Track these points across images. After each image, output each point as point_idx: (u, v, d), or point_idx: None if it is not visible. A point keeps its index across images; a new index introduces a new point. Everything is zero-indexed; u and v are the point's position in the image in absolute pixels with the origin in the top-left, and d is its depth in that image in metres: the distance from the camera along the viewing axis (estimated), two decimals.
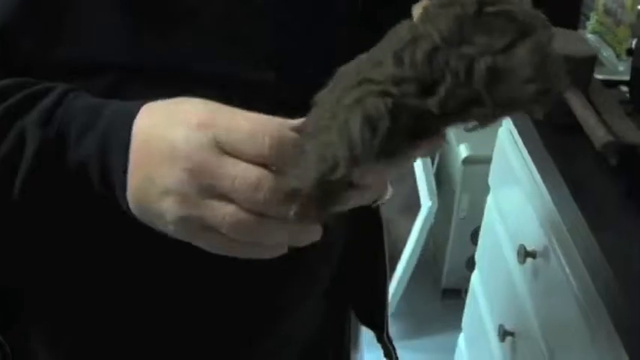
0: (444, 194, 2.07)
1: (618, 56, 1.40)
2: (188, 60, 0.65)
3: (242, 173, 0.50)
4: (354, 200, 0.54)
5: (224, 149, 0.50)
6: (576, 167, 1.04)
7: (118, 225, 0.57)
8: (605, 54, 1.42)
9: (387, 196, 0.64)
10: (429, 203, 1.94)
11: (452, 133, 2.06)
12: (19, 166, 0.56)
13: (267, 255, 0.54)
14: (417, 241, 1.97)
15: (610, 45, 1.44)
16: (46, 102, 0.56)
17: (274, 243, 0.53)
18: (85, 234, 0.64)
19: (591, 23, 1.53)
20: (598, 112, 1.10)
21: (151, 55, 0.63)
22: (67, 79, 0.61)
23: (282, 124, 0.51)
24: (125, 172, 0.54)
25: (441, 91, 0.47)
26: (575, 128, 1.07)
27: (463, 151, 1.98)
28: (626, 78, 1.24)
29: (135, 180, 0.54)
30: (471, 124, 0.49)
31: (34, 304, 0.73)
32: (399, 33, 0.50)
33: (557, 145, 1.09)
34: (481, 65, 0.46)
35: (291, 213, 0.48)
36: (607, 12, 1.46)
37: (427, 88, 0.47)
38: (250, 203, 0.50)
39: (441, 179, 2.14)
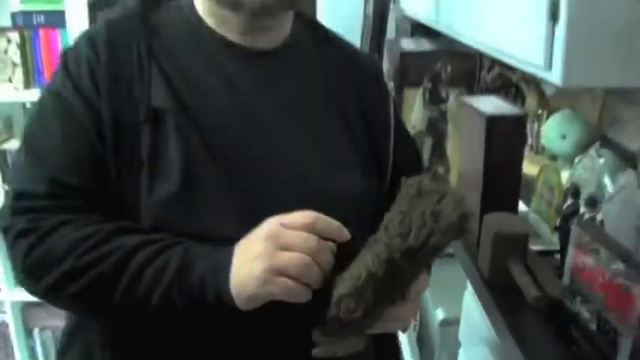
0: (425, 352, 2.25)
1: (552, 231, 1.62)
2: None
3: (298, 235, 0.87)
4: (386, 325, 0.91)
5: (285, 226, 0.87)
6: (518, 318, 1.28)
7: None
8: (543, 229, 1.68)
9: (411, 326, 1.01)
10: None
11: (429, 300, 2.31)
12: (160, 282, 0.90)
13: (306, 298, 0.88)
14: None
15: (546, 222, 1.69)
16: (185, 244, 0.92)
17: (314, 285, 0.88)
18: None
19: (533, 204, 1.79)
20: (534, 277, 1.36)
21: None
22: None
23: (319, 217, 0.90)
24: (228, 278, 0.89)
25: (412, 235, 0.86)
26: (517, 289, 1.33)
27: (440, 314, 2.16)
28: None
29: (235, 271, 0.89)
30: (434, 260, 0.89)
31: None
32: (387, 217, 0.91)
33: (505, 301, 1.34)
34: (427, 213, 0.86)
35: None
36: (542, 196, 1.74)
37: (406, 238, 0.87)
38: (305, 250, 0.86)
39: (422, 339, 2.31)
